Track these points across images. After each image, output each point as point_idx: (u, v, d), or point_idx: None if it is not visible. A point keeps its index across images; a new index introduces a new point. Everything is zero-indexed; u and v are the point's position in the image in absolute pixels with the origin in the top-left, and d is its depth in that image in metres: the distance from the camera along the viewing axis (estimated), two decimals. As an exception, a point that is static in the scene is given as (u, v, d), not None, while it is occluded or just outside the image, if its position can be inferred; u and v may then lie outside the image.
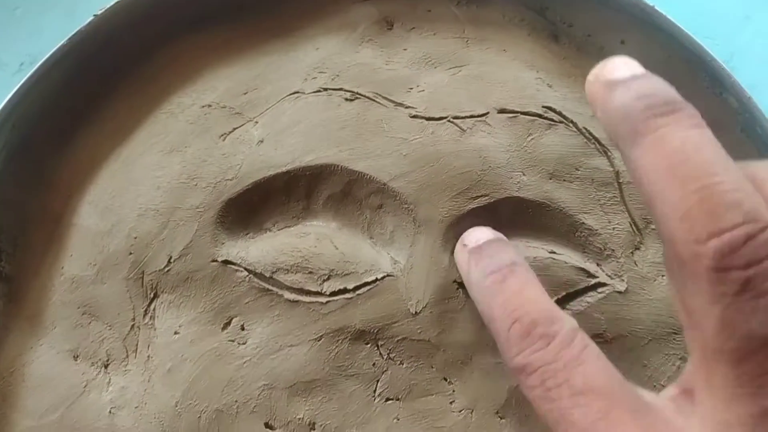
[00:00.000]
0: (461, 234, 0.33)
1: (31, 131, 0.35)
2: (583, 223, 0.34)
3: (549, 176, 0.34)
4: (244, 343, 0.32)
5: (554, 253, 0.33)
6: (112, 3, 0.35)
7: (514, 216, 0.34)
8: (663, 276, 0.34)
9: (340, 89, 0.35)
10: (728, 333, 0.21)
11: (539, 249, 0.34)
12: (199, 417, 0.32)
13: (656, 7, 0.35)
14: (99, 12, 0.34)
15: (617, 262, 0.34)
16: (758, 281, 0.20)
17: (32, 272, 0.35)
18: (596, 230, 0.34)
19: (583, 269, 0.33)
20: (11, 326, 0.34)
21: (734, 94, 0.35)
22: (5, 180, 0.35)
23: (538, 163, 0.34)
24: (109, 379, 0.33)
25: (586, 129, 0.35)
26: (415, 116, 0.34)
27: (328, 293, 0.32)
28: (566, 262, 0.33)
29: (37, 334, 0.34)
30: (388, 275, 0.32)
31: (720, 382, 0.21)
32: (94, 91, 0.36)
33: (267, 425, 0.32)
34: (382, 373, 0.32)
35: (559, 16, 0.37)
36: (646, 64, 0.36)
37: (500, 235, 0.31)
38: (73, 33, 0.34)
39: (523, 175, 0.34)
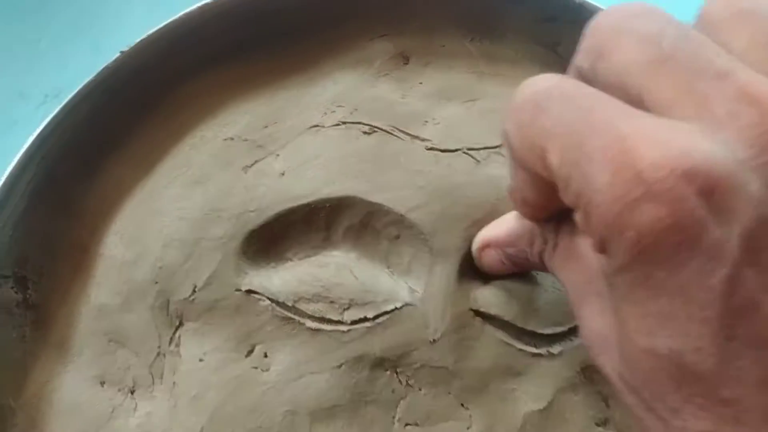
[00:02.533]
0: (475, 265, 0.34)
1: (59, 163, 0.36)
2: None
3: None
4: (267, 370, 0.33)
5: None
6: (138, 40, 0.36)
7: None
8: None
9: (359, 123, 0.36)
10: None
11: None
12: (224, 443, 0.33)
13: (663, 44, 0.36)
14: (125, 49, 0.35)
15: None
16: None
17: (59, 300, 0.36)
18: None
19: None
20: (39, 353, 0.35)
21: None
22: (33, 211, 0.36)
23: None
24: (136, 405, 0.34)
25: (596, 160, 0.36)
26: (430, 148, 0.35)
27: (348, 322, 0.33)
28: None
29: (64, 361, 0.35)
30: (406, 304, 0.33)
31: None
32: (119, 124, 0.37)
33: (290, 450, 0.33)
34: (401, 399, 0.33)
35: (571, 53, 0.38)
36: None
37: None
38: (100, 69, 0.35)
39: None
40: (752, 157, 0.18)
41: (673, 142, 0.18)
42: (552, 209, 0.26)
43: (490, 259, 0.33)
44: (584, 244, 0.25)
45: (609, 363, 0.23)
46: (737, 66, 0.19)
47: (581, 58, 0.23)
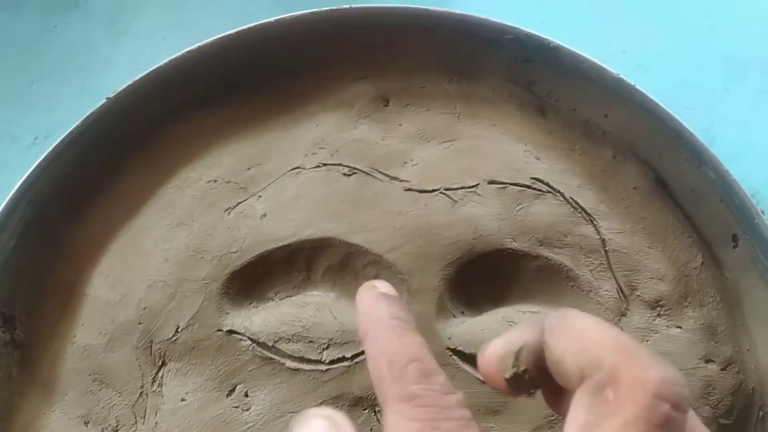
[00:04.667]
0: (454, 302, 0.35)
1: (47, 205, 0.37)
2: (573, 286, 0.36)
3: (539, 243, 0.36)
4: (247, 410, 0.34)
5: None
6: (124, 86, 0.37)
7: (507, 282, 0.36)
8: (647, 341, 0.35)
9: (339, 164, 0.37)
10: None
11: (534, 315, 0.35)
12: (205, 482, 0.33)
13: (637, 86, 0.37)
14: (111, 95, 0.36)
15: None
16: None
17: (46, 340, 0.36)
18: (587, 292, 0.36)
19: None
20: (25, 393, 0.36)
21: (712, 167, 0.36)
22: (21, 251, 0.37)
23: (528, 231, 0.36)
24: (119, 445, 0.35)
25: (572, 199, 0.37)
26: (409, 189, 0.36)
27: (327, 362, 0.34)
28: None
29: (49, 401, 0.35)
30: (384, 344, 0.34)
31: None
32: (105, 167, 0.38)
33: (270, 490, 0.33)
34: (380, 438, 0.34)
35: (546, 91, 0.39)
36: (629, 136, 0.38)
37: None
38: (86, 114, 0.36)
39: (514, 241, 0.35)
40: None
41: None
42: None
43: None
44: None
45: None
46: None
47: None
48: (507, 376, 0.25)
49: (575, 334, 0.24)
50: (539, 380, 0.25)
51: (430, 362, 0.26)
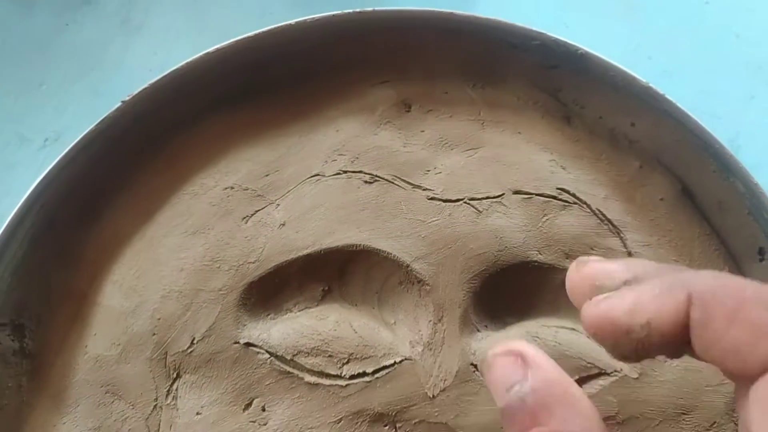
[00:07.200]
0: (478, 316, 0.34)
1: (58, 211, 0.36)
2: None
3: (565, 255, 0.35)
4: (264, 425, 0.33)
5: (575, 330, 0.34)
6: (139, 89, 0.35)
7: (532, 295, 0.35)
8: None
9: (360, 172, 0.36)
10: None
11: (558, 329, 0.34)
12: (221, 499, 0.32)
13: (666, 95, 0.36)
14: (126, 98, 0.35)
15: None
16: None
17: (56, 350, 0.35)
18: None
19: (594, 365, 0.33)
20: (35, 403, 0.35)
21: (741, 179, 0.35)
22: (32, 258, 0.35)
23: (554, 243, 0.35)
24: (132, 459, 0.34)
25: (599, 210, 0.36)
26: (432, 198, 0.35)
27: (347, 376, 0.33)
28: (580, 354, 0.33)
29: (60, 412, 0.34)
30: (406, 359, 0.33)
31: None
32: (119, 172, 0.37)
33: (287, 508, 0.32)
34: (401, 455, 0.33)
35: (572, 99, 0.38)
36: (656, 146, 0.37)
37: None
38: (101, 118, 0.35)
39: (540, 254, 0.35)
40: None
41: None
42: None
43: None
44: None
45: None
46: None
47: None
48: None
49: (751, 320, 0.20)
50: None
51: None
